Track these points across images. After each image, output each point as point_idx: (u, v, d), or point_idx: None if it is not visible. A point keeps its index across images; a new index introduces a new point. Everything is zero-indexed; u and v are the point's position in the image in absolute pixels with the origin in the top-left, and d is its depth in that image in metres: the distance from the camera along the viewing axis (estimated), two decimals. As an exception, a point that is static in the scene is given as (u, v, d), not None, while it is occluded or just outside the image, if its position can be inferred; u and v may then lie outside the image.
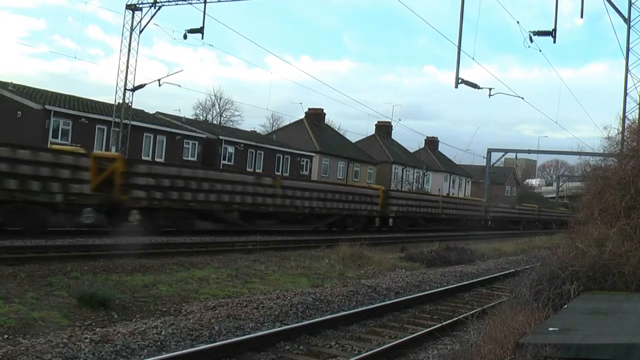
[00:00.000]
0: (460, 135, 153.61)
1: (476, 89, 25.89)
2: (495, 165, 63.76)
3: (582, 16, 23.72)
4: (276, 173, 44.26)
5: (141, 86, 31.77)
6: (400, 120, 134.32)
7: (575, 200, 36.32)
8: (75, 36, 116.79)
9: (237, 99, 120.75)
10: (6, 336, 6.69)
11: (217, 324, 7.91)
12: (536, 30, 23.82)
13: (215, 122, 63.75)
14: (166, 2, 30.02)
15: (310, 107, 58.30)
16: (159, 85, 31.49)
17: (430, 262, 17.59)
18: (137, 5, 30.56)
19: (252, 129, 61.41)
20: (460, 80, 23.80)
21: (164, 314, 8.59)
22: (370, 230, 29.76)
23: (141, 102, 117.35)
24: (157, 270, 12.10)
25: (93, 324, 7.69)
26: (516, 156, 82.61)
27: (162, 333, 7.20)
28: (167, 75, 34.44)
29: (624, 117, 17.61)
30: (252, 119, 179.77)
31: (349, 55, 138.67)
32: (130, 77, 31.11)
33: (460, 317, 9.36)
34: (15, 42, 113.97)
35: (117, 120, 31.60)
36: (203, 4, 28.70)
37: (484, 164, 59.41)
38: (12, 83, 34.18)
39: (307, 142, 52.59)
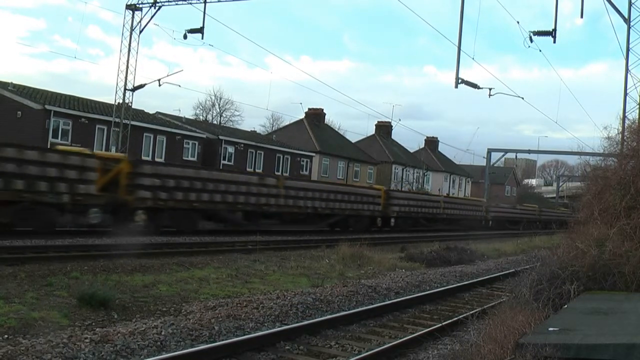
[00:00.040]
0: (460, 135, 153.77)
1: (476, 89, 25.92)
2: (495, 165, 63.78)
3: (582, 16, 23.75)
4: (276, 173, 44.28)
5: (141, 86, 31.76)
6: (400, 120, 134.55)
7: (575, 200, 36.36)
8: (75, 36, 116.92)
9: (237, 99, 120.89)
10: (6, 336, 6.69)
11: (217, 324, 7.91)
12: (536, 30, 23.83)
13: (215, 122, 63.75)
14: (166, 2, 30.02)
15: (310, 107, 58.38)
16: (159, 85, 31.51)
17: (430, 262, 17.59)
18: (137, 5, 30.55)
19: (252, 129, 61.46)
20: (460, 80, 23.81)
21: (164, 314, 8.59)
22: (371, 230, 29.79)
23: (141, 102, 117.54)
24: (157, 270, 12.11)
25: (93, 324, 7.69)
26: (516, 156, 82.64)
27: (162, 333, 7.20)
28: (167, 75, 34.47)
29: (624, 117, 17.63)
30: (252, 119, 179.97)
31: (349, 55, 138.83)
32: (130, 77, 31.13)
33: (460, 317, 9.35)
34: (15, 42, 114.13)
35: (117, 120, 31.59)
36: (203, 4, 28.71)
37: (484, 164, 59.42)
38: (12, 83, 34.17)
39: (307, 142, 52.58)
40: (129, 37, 30.72)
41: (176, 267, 12.65)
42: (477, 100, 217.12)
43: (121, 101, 31.47)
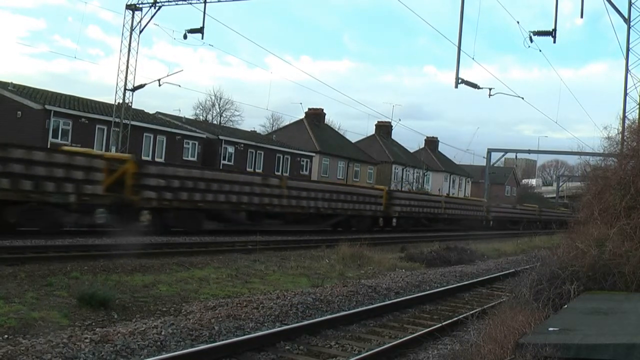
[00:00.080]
0: (460, 135, 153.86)
1: (476, 89, 25.95)
2: (495, 165, 63.78)
3: (582, 16, 23.78)
4: (276, 173, 44.29)
5: (141, 86, 31.79)
6: (400, 120, 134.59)
7: (575, 200, 36.36)
8: (75, 36, 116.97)
9: (237, 99, 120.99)
10: (6, 336, 6.68)
11: (217, 324, 7.91)
12: (536, 30, 23.86)
13: (215, 122, 63.76)
14: (166, 2, 30.04)
15: (310, 107, 58.42)
16: (159, 85, 31.57)
17: (430, 262, 17.58)
18: (137, 5, 30.58)
19: (252, 129, 61.49)
20: (460, 80, 23.82)
21: (164, 314, 8.59)
22: (372, 230, 29.83)
23: (141, 102, 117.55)
24: (157, 270, 12.10)
25: (93, 324, 7.69)
26: (516, 156, 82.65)
27: (162, 333, 7.20)
28: (167, 75, 34.52)
29: (624, 117, 17.63)
30: (252, 119, 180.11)
31: (349, 55, 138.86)
32: (130, 77, 31.18)
33: (460, 317, 9.35)
34: (15, 42, 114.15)
35: (117, 120, 31.60)
36: (203, 4, 28.75)
37: (484, 164, 59.43)
38: (12, 83, 34.19)
39: (307, 142, 52.59)
40: (129, 37, 30.78)
41: (176, 267, 12.65)
42: (477, 100, 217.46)
43: (121, 101, 31.49)
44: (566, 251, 9.20)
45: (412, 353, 7.56)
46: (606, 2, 22.98)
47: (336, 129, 67.98)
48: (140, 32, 30.85)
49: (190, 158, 39.71)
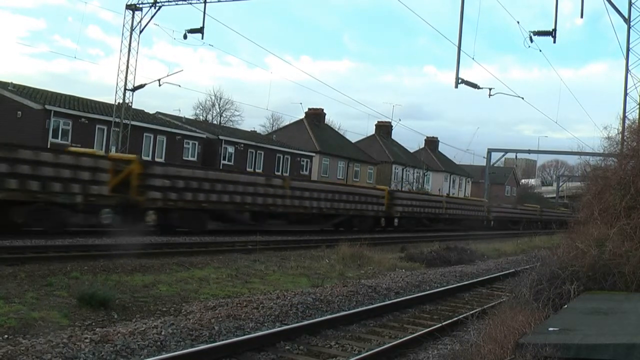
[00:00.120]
0: (460, 135, 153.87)
1: (476, 89, 25.94)
2: (495, 165, 63.79)
3: (582, 16, 23.76)
4: (276, 173, 44.29)
5: (141, 86, 31.78)
6: (400, 120, 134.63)
7: (575, 200, 36.37)
8: (75, 36, 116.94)
9: (237, 99, 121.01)
10: (6, 336, 6.68)
11: (217, 324, 7.91)
12: (536, 30, 23.85)
13: (215, 122, 63.76)
14: (166, 2, 30.04)
15: (310, 107, 58.41)
16: (159, 85, 31.57)
17: (430, 262, 17.58)
18: (137, 5, 30.57)
19: (252, 129, 61.49)
20: (460, 80, 23.82)
21: (164, 314, 8.59)
22: (374, 230, 29.87)
23: (141, 102, 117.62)
24: (157, 270, 12.10)
25: (93, 324, 7.69)
26: (516, 156, 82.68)
27: (162, 333, 7.20)
28: (167, 75, 34.55)
29: (624, 117, 17.65)
30: (252, 119, 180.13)
31: (349, 55, 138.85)
32: (130, 77, 31.15)
33: (460, 317, 9.35)
34: (15, 42, 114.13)
35: (117, 120, 31.59)
36: (203, 4, 28.73)
37: (484, 164, 59.44)
38: (12, 83, 34.18)
39: (307, 142, 52.59)
40: (129, 37, 30.76)
41: (176, 267, 12.65)
42: (477, 100, 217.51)
43: (121, 101, 31.48)
44: (566, 251, 9.20)
45: (412, 353, 7.56)
46: (606, 2, 23.00)
47: (336, 129, 68.02)
48: (140, 32, 30.88)
49: (190, 158, 39.71)
